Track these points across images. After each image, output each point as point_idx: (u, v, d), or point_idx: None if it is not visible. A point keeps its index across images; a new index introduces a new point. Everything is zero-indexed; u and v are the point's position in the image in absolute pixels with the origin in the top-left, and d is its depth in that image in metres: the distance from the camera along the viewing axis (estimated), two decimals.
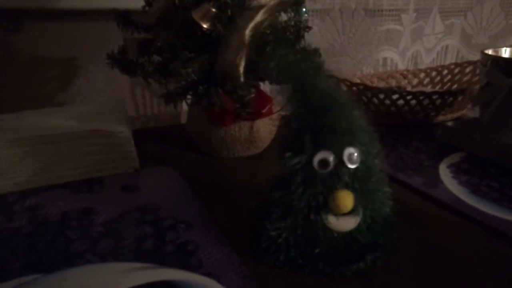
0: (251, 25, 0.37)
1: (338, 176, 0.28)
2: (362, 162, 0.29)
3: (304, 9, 0.47)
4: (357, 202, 0.29)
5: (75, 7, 0.58)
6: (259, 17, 0.37)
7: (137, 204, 0.38)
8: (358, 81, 0.71)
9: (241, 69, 0.38)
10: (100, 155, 0.43)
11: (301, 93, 0.30)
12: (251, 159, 0.52)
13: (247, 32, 0.37)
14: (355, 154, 0.28)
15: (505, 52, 0.55)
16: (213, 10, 0.39)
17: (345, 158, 0.28)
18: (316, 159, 0.28)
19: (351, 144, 0.28)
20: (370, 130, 0.30)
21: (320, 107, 0.28)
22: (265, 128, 0.51)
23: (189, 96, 0.47)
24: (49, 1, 0.56)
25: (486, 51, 0.52)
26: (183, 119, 0.73)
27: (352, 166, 0.28)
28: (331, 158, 0.28)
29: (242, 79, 0.38)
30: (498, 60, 0.48)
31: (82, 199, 0.40)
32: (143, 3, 0.48)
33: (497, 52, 0.54)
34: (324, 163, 0.28)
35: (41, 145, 0.41)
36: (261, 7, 0.38)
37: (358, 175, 0.29)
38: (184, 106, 0.49)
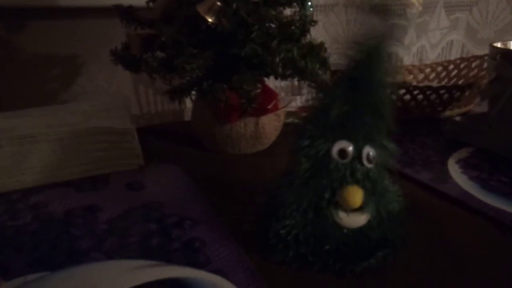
0: None
1: (351, 170, 0.28)
2: (376, 164, 0.28)
3: (309, 4, 0.47)
4: (368, 198, 0.28)
5: (77, 4, 0.57)
6: None
7: (142, 202, 0.38)
8: None
9: None
10: (104, 152, 0.43)
11: (363, 82, 0.27)
12: (256, 155, 0.51)
13: None
14: (373, 154, 0.28)
15: None
16: (218, 3, 0.39)
17: (364, 154, 0.28)
18: (336, 147, 0.27)
19: (373, 144, 0.28)
20: (394, 131, 0.29)
21: (375, 99, 0.27)
22: (271, 124, 0.51)
23: (193, 92, 0.47)
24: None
25: (495, 44, 0.51)
26: (187, 116, 0.72)
27: (369, 166, 0.28)
28: (350, 148, 0.27)
29: None
30: (507, 53, 0.48)
31: (86, 196, 0.39)
32: (143, 0, 0.47)
33: (506, 45, 0.54)
34: (343, 153, 0.27)
35: (45, 142, 0.40)
36: None
37: (370, 176, 0.28)
38: (188, 103, 0.49)
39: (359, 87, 0.27)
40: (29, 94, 0.61)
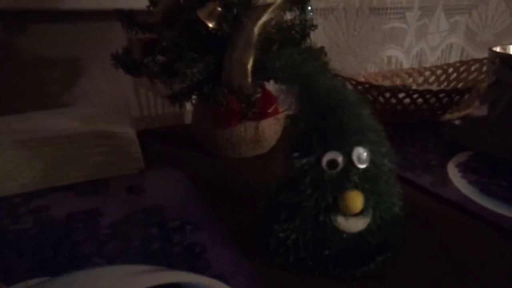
0: (258, 23, 0.36)
1: (347, 176, 0.28)
2: (372, 162, 0.28)
3: (309, 8, 0.47)
4: (367, 202, 0.28)
5: (78, 7, 0.58)
6: (266, 16, 0.37)
7: (143, 206, 0.38)
8: (363, 80, 0.70)
9: (249, 68, 0.37)
10: (105, 156, 0.43)
11: (307, 93, 0.29)
12: (256, 159, 0.51)
13: (255, 30, 0.37)
14: (364, 154, 0.28)
15: None
16: (219, 9, 0.39)
17: (354, 158, 0.28)
18: (325, 159, 0.28)
19: (360, 144, 0.28)
20: (378, 129, 0.30)
21: (327, 107, 0.28)
22: (271, 128, 0.51)
23: (194, 96, 0.47)
24: (52, 2, 0.56)
25: (494, 49, 0.51)
26: (187, 120, 0.72)
27: (362, 166, 0.28)
28: (340, 158, 0.27)
29: (249, 78, 0.38)
30: (506, 57, 0.48)
31: (87, 200, 0.39)
32: (145, 3, 0.48)
33: (505, 49, 0.54)
34: (333, 163, 0.28)
35: (46, 146, 0.41)
36: (267, 5, 0.38)
37: (368, 175, 0.28)
38: (188, 106, 0.49)
39: (316, 104, 0.28)
40: (30, 96, 0.61)
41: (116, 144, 0.43)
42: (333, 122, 0.28)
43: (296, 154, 0.29)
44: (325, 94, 0.28)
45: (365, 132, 0.28)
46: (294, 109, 0.31)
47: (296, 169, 0.29)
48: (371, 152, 0.28)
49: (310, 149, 0.28)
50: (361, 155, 0.28)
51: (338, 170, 0.28)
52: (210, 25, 0.39)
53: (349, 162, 0.28)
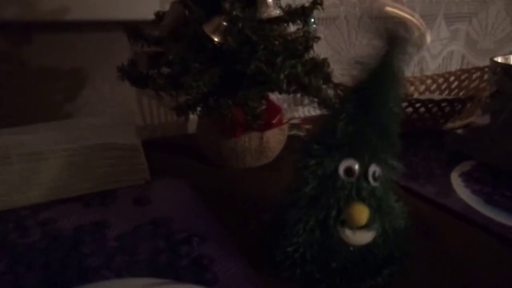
0: None
1: (357, 189, 0.28)
2: (382, 182, 0.29)
3: (312, 20, 0.47)
4: (373, 215, 0.28)
5: (81, 18, 0.58)
6: None
7: (149, 217, 0.38)
8: None
9: None
10: (112, 168, 0.44)
11: (378, 99, 0.28)
12: (261, 169, 0.52)
13: None
14: (380, 172, 0.28)
15: None
16: (224, 23, 0.40)
17: (370, 173, 0.28)
18: (343, 165, 0.28)
19: (378, 162, 0.28)
20: (399, 146, 0.30)
21: (381, 117, 0.28)
22: (275, 138, 0.51)
23: (199, 108, 0.47)
24: (55, 14, 0.57)
25: (496, 59, 0.51)
26: (190, 129, 0.73)
27: (374, 184, 0.28)
28: (356, 167, 0.28)
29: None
30: (508, 68, 0.48)
31: (94, 212, 0.40)
32: (148, 14, 0.48)
33: (506, 59, 0.54)
34: (349, 171, 0.28)
35: (53, 159, 0.41)
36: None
37: (376, 194, 0.29)
38: (192, 116, 0.50)
39: (365, 106, 0.28)
40: (34, 106, 0.61)
41: (122, 155, 0.44)
42: (373, 131, 0.28)
43: (312, 161, 0.29)
44: (388, 107, 0.28)
45: (390, 151, 0.29)
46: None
47: (305, 175, 0.29)
48: (384, 172, 0.29)
49: (329, 153, 0.28)
50: (377, 173, 0.28)
51: (352, 180, 0.28)
52: (216, 39, 0.40)
53: (364, 175, 0.28)
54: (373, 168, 0.28)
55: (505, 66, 0.49)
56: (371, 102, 0.27)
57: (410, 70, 0.92)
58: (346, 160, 0.28)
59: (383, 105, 0.27)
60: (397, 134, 0.29)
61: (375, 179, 0.28)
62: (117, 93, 0.67)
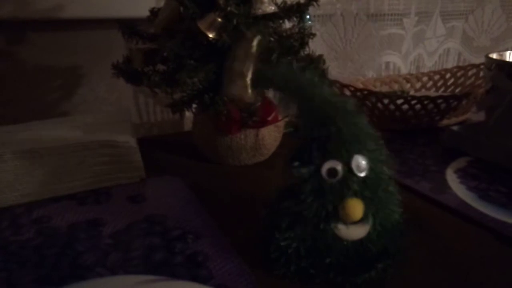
0: (258, 36, 0.37)
1: (347, 184, 0.28)
2: (371, 170, 0.29)
3: (308, 17, 0.47)
4: (367, 210, 0.29)
5: (77, 16, 0.58)
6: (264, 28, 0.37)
7: (144, 215, 0.38)
8: (361, 86, 0.71)
9: (248, 80, 0.38)
10: (107, 165, 0.43)
11: (304, 103, 0.30)
12: (256, 166, 0.52)
13: (254, 42, 0.37)
14: (363, 162, 0.28)
15: (509, 56, 0.55)
16: (219, 20, 0.39)
17: (353, 166, 0.28)
18: (325, 168, 0.28)
19: (358, 152, 0.28)
20: (376, 136, 0.30)
21: (325, 116, 0.28)
22: (271, 136, 0.51)
23: (194, 105, 0.47)
24: (51, 11, 0.57)
25: (491, 55, 0.52)
26: (186, 126, 0.73)
27: (361, 174, 0.28)
28: (339, 167, 0.28)
29: (249, 90, 0.38)
30: (503, 64, 0.48)
31: (89, 210, 0.39)
32: (144, 11, 0.48)
33: (501, 56, 0.54)
34: (332, 172, 0.28)
35: (47, 156, 0.41)
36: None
37: (368, 183, 0.29)
38: (188, 113, 0.49)
39: (315, 116, 0.29)
40: (30, 105, 0.61)
41: (117, 153, 0.43)
42: (331, 131, 0.28)
43: (295, 163, 0.29)
44: (322, 103, 0.29)
45: (364, 140, 0.29)
46: (293, 118, 0.31)
47: (296, 178, 0.29)
48: (370, 160, 0.29)
49: (309, 158, 0.29)
50: (360, 163, 0.28)
51: (338, 178, 0.28)
52: (210, 35, 0.39)
53: (349, 170, 0.28)
54: (356, 161, 0.28)
55: (500, 63, 0.49)
56: (316, 110, 0.29)
57: (406, 68, 0.92)
58: (328, 162, 0.28)
59: (317, 102, 0.28)
60: (366, 122, 0.29)
61: (360, 170, 0.28)
62: (113, 91, 0.67)
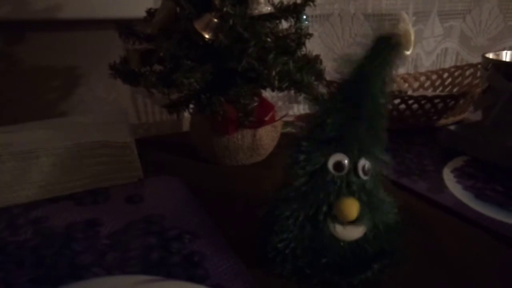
0: None
1: (347, 182, 0.28)
2: (372, 176, 0.29)
3: (304, 17, 0.47)
4: (363, 210, 0.29)
5: (75, 17, 0.58)
6: None
7: (142, 215, 0.38)
8: None
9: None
10: (104, 165, 0.44)
11: (359, 90, 0.28)
12: (254, 166, 0.52)
13: None
14: (368, 167, 0.28)
15: (506, 56, 0.56)
16: (215, 20, 0.39)
17: (359, 167, 0.28)
18: (332, 159, 0.28)
19: (367, 155, 0.28)
20: (385, 143, 0.30)
21: (370, 111, 0.28)
22: (268, 136, 0.51)
23: (191, 105, 0.47)
24: (49, 12, 0.57)
25: (487, 55, 0.52)
26: (185, 127, 0.73)
27: (364, 178, 0.28)
28: (346, 161, 0.28)
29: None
30: (499, 64, 0.48)
31: (87, 210, 0.40)
32: (141, 12, 0.48)
33: (498, 55, 0.55)
34: (339, 165, 0.28)
35: (45, 157, 0.41)
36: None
37: (366, 187, 0.29)
38: (185, 114, 0.50)
39: (354, 100, 0.28)
40: (28, 105, 0.61)
41: (115, 153, 0.43)
42: (360, 125, 0.28)
43: (302, 156, 0.29)
44: (374, 99, 0.27)
45: (376, 145, 0.29)
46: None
47: (297, 172, 0.29)
48: (373, 166, 0.29)
49: (318, 148, 0.28)
50: (366, 167, 0.28)
51: (342, 174, 0.28)
52: (207, 36, 0.40)
53: (353, 170, 0.28)
54: (363, 162, 0.28)
55: (496, 63, 0.49)
56: (359, 96, 0.27)
57: (404, 67, 0.92)
58: (335, 155, 0.28)
59: (371, 100, 0.27)
60: (385, 129, 0.29)
61: (365, 173, 0.28)
62: (111, 91, 0.67)
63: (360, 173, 0.28)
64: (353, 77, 0.28)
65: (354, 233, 0.29)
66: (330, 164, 0.28)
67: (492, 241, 0.35)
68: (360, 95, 0.27)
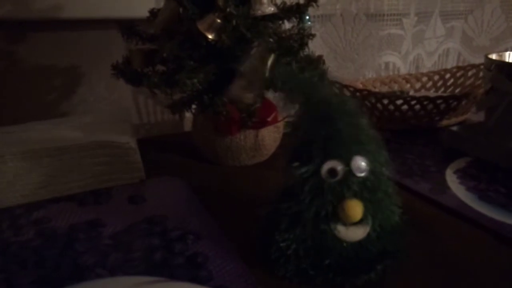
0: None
1: (347, 185, 0.28)
2: (371, 171, 0.29)
3: (307, 17, 0.47)
4: (366, 211, 0.29)
5: (76, 16, 0.58)
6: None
7: (144, 215, 0.38)
8: (361, 86, 0.71)
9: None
10: (106, 166, 0.43)
11: (305, 103, 0.30)
12: (256, 167, 0.52)
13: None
14: (363, 163, 0.28)
15: (509, 57, 0.55)
16: (218, 21, 0.39)
17: (353, 167, 0.28)
18: (325, 168, 0.28)
19: (359, 153, 0.28)
20: (377, 137, 0.30)
21: (326, 116, 0.28)
22: (270, 136, 0.51)
23: (194, 106, 0.47)
24: (51, 11, 0.57)
25: (490, 56, 0.52)
26: (186, 127, 0.73)
27: (361, 175, 0.28)
28: (339, 167, 0.28)
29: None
30: (502, 65, 0.48)
31: (89, 211, 0.40)
32: (143, 12, 0.48)
33: (501, 56, 0.54)
34: (332, 172, 0.28)
35: (47, 157, 0.41)
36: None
37: (367, 184, 0.29)
38: (188, 114, 0.49)
39: (317, 115, 0.29)
40: (29, 105, 0.61)
41: (117, 154, 0.43)
42: (332, 131, 0.28)
43: (295, 164, 0.29)
44: (323, 104, 0.29)
45: (364, 141, 0.29)
46: (293, 117, 0.31)
47: (296, 178, 0.29)
48: (370, 161, 0.29)
49: (309, 158, 0.29)
50: (360, 165, 0.28)
51: (338, 179, 0.28)
52: (210, 36, 0.39)
53: (349, 171, 0.28)
54: (356, 161, 0.28)
55: (499, 63, 0.49)
56: (320, 110, 0.29)
57: (406, 68, 0.92)
58: (328, 162, 0.28)
59: (322, 103, 0.28)
60: (366, 120, 0.29)
61: (361, 171, 0.28)
62: (113, 91, 0.67)
63: (357, 172, 0.28)
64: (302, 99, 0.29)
65: (357, 234, 0.29)
66: (324, 172, 0.28)
67: (495, 242, 0.35)
68: (306, 105, 0.29)
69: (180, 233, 0.35)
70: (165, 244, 0.34)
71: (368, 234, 0.29)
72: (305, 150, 0.29)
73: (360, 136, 0.29)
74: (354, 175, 0.28)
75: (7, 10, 0.54)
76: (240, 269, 0.31)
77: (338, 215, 0.28)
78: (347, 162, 0.28)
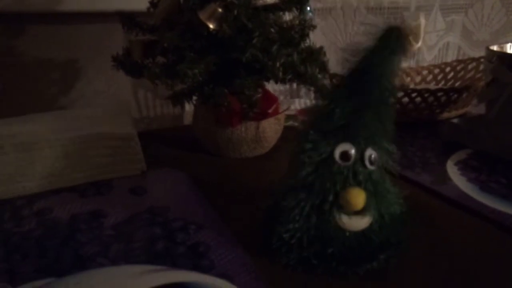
0: None
1: (354, 172, 0.28)
2: (378, 166, 0.29)
3: (308, 8, 0.47)
4: (369, 201, 0.29)
5: (75, 9, 0.58)
6: None
7: (146, 206, 0.38)
8: None
9: None
10: (108, 157, 0.43)
11: (367, 79, 0.27)
12: (257, 159, 0.52)
13: None
14: (375, 156, 0.28)
15: (510, 48, 0.55)
16: (219, 10, 0.39)
17: (366, 157, 0.28)
18: (339, 149, 0.28)
19: (374, 145, 0.28)
20: (392, 136, 0.30)
21: (377, 101, 0.28)
22: (271, 128, 0.51)
23: (195, 97, 0.47)
24: (49, 4, 0.56)
25: (492, 47, 0.51)
26: (186, 121, 0.72)
27: (371, 168, 0.28)
28: (352, 151, 0.28)
29: None
30: (504, 56, 0.48)
31: (90, 202, 0.39)
32: (144, 4, 0.48)
33: (502, 48, 0.54)
34: (345, 155, 0.28)
35: (49, 148, 0.41)
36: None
37: (373, 177, 0.29)
38: (187, 107, 0.49)
39: (361, 89, 0.28)
40: (27, 99, 0.61)
41: (118, 145, 0.43)
42: (366, 114, 0.28)
43: (309, 145, 0.29)
44: (382, 88, 0.27)
45: (383, 136, 0.29)
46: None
47: (305, 158, 0.29)
48: (380, 156, 0.29)
49: (324, 137, 0.28)
50: (373, 156, 0.28)
51: (348, 164, 0.28)
52: (211, 26, 0.39)
53: (360, 160, 0.28)
54: (369, 152, 0.28)
55: (501, 55, 0.49)
56: (366, 86, 0.27)
57: (406, 61, 0.92)
58: (342, 144, 0.28)
59: (378, 89, 0.27)
60: (392, 119, 0.29)
61: (371, 163, 0.28)
62: (112, 85, 0.67)
63: (367, 163, 0.28)
64: (361, 67, 0.27)
65: (360, 223, 0.29)
66: (337, 153, 0.28)
67: (497, 233, 0.35)
68: (368, 84, 0.27)
69: (182, 223, 0.35)
70: (167, 234, 0.34)
71: (371, 224, 0.29)
72: (323, 128, 0.28)
73: (385, 131, 0.29)
74: (363, 165, 0.28)
75: (5, 2, 0.54)
76: (242, 258, 0.31)
77: (340, 202, 0.28)
78: (361, 150, 0.28)
